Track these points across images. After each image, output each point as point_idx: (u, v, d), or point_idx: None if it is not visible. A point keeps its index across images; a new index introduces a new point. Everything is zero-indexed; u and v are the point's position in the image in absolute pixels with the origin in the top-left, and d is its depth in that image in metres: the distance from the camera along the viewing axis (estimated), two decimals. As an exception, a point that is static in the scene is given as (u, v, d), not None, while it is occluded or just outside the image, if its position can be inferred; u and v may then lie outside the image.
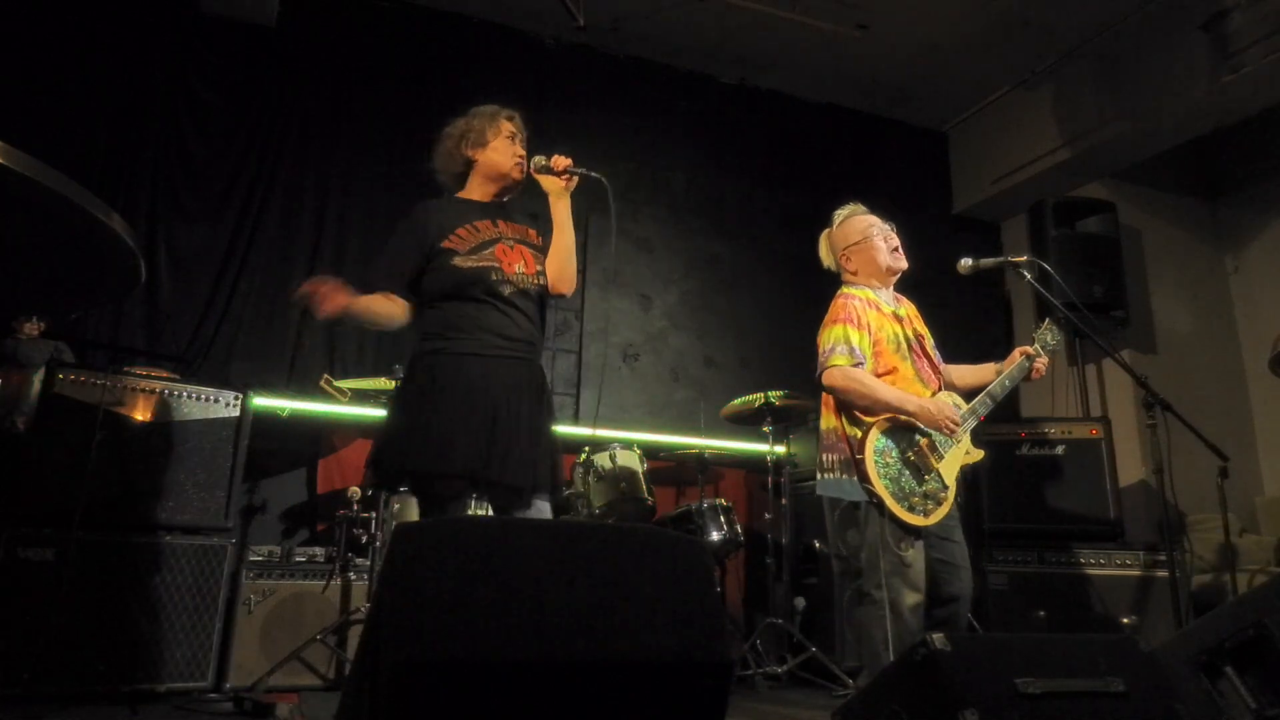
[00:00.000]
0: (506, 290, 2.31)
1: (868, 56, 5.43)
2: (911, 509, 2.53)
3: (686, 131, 5.52)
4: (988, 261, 3.05)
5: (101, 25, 4.29)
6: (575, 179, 2.41)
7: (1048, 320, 2.98)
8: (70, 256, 1.59)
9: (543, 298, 2.42)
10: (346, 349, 4.41)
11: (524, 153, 2.47)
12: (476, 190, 2.48)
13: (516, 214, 2.50)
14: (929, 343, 2.85)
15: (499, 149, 2.45)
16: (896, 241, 2.84)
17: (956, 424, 2.61)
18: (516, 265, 2.35)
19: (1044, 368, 2.87)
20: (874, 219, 2.86)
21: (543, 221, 2.50)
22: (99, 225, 1.42)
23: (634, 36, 5.31)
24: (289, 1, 4.50)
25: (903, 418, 2.59)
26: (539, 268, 2.40)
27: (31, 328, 3.57)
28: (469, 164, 2.48)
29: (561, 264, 2.41)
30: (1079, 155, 5.35)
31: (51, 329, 3.62)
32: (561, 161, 2.39)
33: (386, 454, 2.26)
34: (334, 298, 2.22)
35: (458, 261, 2.30)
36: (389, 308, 2.34)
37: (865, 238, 2.81)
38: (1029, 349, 2.88)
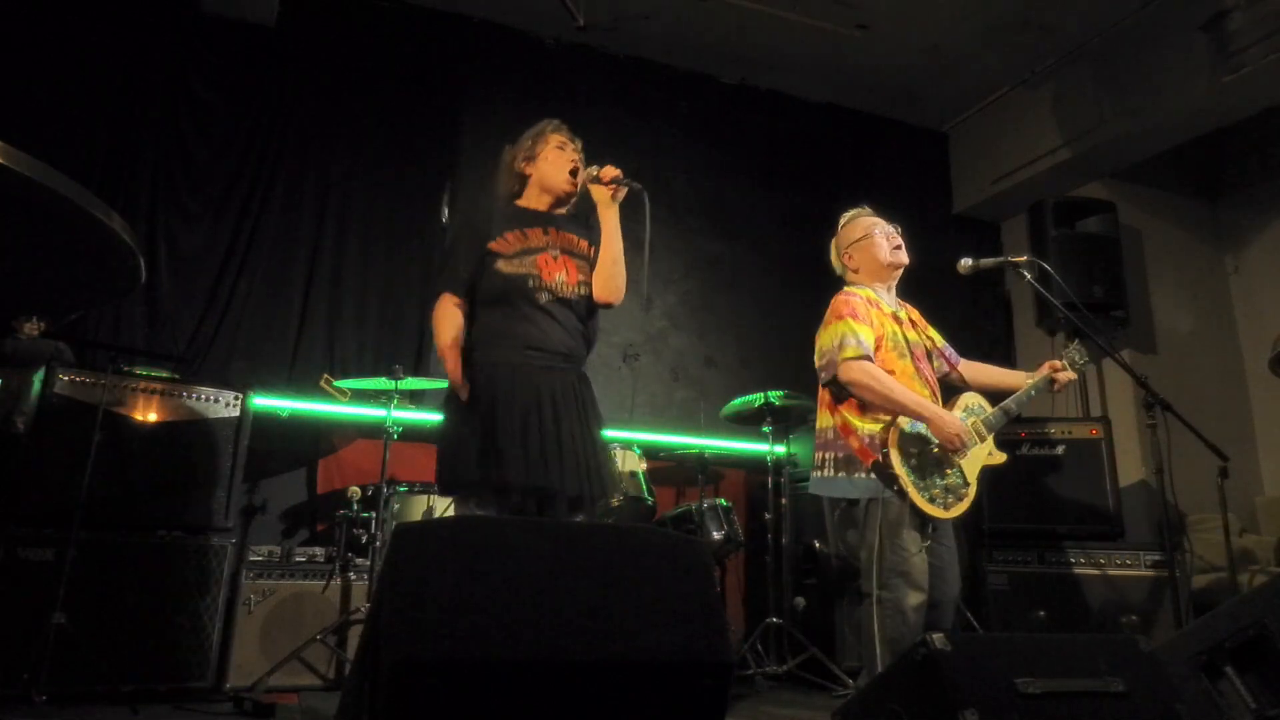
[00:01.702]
0: (543, 299, 2.33)
1: (868, 56, 5.42)
2: (932, 500, 2.54)
3: (686, 131, 5.52)
4: (988, 261, 3.06)
5: (101, 25, 4.29)
6: (623, 190, 2.42)
7: (1077, 340, 3.05)
8: (70, 256, 1.59)
9: (585, 309, 2.43)
10: (346, 349, 4.41)
11: (576, 160, 2.50)
12: (533, 200, 2.53)
13: (573, 225, 2.51)
14: (938, 344, 2.86)
15: (549, 159, 2.50)
16: (899, 240, 2.86)
17: (963, 444, 2.61)
18: (557, 274, 2.38)
19: (1066, 382, 2.90)
20: (877, 219, 2.89)
21: (596, 231, 2.50)
22: (99, 225, 1.41)
23: (634, 36, 5.31)
24: (289, 1, 4.50)
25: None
26: (582, 278, 2.42)
27: (31, 328, 3.56)
28: (523, 179, 2.54)
29: (608, 274, 2.42)
30: (1079, 155, 5.35)
31: (51, 329, 3.62)
32: (609, 172, 2.42)
33: (444, 465, 2.30)
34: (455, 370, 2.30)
35: (500, 265, 2.34)
36: (460, 321, 2.37)
37: (867, 235, 2.84)
38: (1057, 363, 2.91)
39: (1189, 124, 5.04)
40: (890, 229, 2.87)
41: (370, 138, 4.71)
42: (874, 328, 2.68)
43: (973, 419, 2.72)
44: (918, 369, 2.73)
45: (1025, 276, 3.05)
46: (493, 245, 2.35)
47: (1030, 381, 2.87)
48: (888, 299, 2.82)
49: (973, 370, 2.94)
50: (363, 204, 4.61)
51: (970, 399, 2.77)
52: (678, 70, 5.60)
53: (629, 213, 2.48)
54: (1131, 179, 5.65)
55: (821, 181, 5.68)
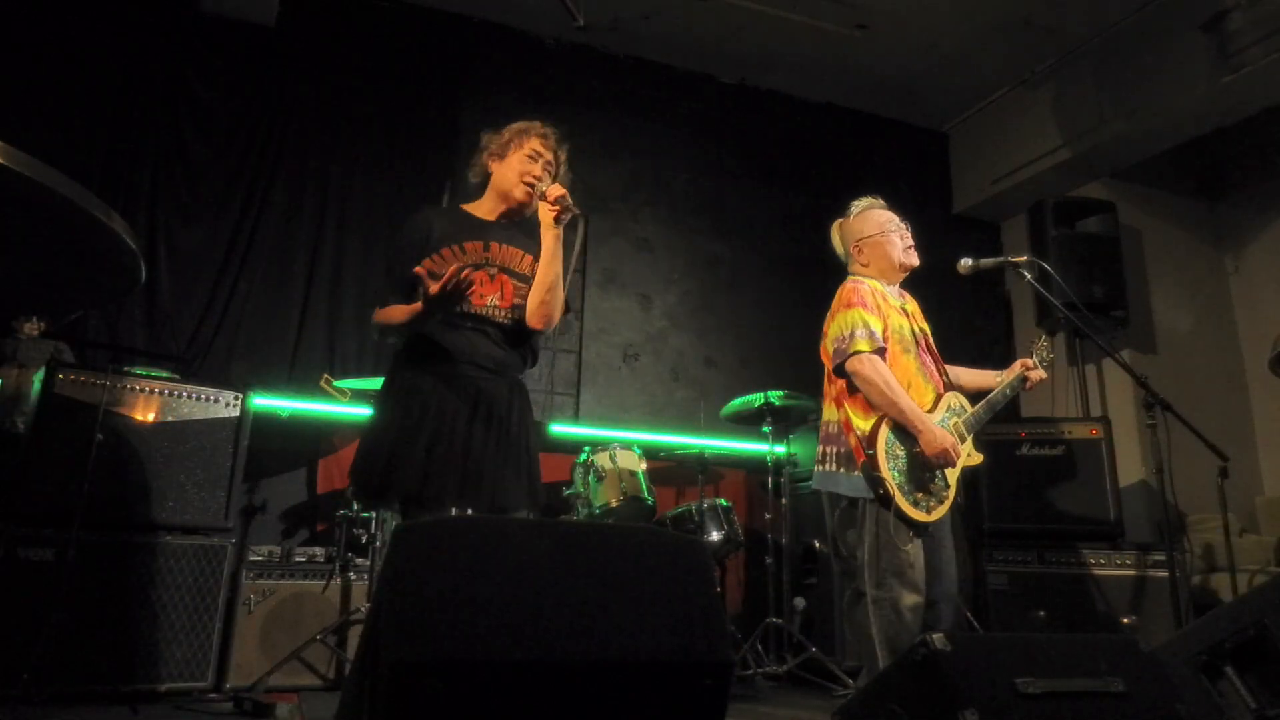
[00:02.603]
0: (468, 323, 2.24)
1: (868, 56, 5.43)
2: (916, 504, 2.53)
3: (686, 131, 5.52)
4: (988, 261, 3.05)
5: (101, 25, 4.29)
6: (567, 214, 2.26)
7: (1044, 336, 3.01)
8: (70, 256, 1.59)
9: (521, 329, 2.30)
10: (346, 349, 4.41)
11: (539, 175, 2.35)
12: (486, 205, 2.41)
13: (518, 238, 2.37)
14: (930, 340, 2.85)
15: (512, 165, 2.36)
16: (911, 240, 2.85)
17: (949, 464, 2.58)
18: (490, 297, 2.26)
19: (1038, 379, 2.90)
20: (892, 215, 2.87)
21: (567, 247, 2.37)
22: (99, 225, 1.42)
23: (634, 36, 5.31)
24: (289, 1, 4.50)
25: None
26: (517, 301, 2.29)
27: (31, 328, 3.57)
28: (487, 175, 2.42)
29: (539, 298, 2.26)
30: (1079, 155, 5.35)
31: (51, 329, 3.62)
32: (554, 191, 2.26)
33: (352, 470, 2.28)
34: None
35: (431, 283, 2.16)
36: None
37: (882, 232, 2.81)
38: (1028, 361, 2.90)
39: (1189, 124, 5.04)
40: (904, 227, 2.85)
41: (370, 138, 4.71)
42: (882, 318, 2.67)
43: (954, 419, 2.71)
44: (922, 363, 2.72)
45: (1025, 276, 3.05)
46: (427, 263, 2.20)
47: (1004, 381, 2.86)
48: (893, 292, 2.81)
49: (953, 373, 2.93)
50: (363, 204, 4.61)
51: (952, 399, 2.75)
52: (678, 70, 5.61)
53: (594, 206, 2.37)
54: (1131, 179, 5.65)
55: (821, 181, 5.68)
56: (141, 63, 4.34)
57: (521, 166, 2.35)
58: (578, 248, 2.27)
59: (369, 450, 2.23)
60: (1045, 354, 2.94)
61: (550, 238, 2.25)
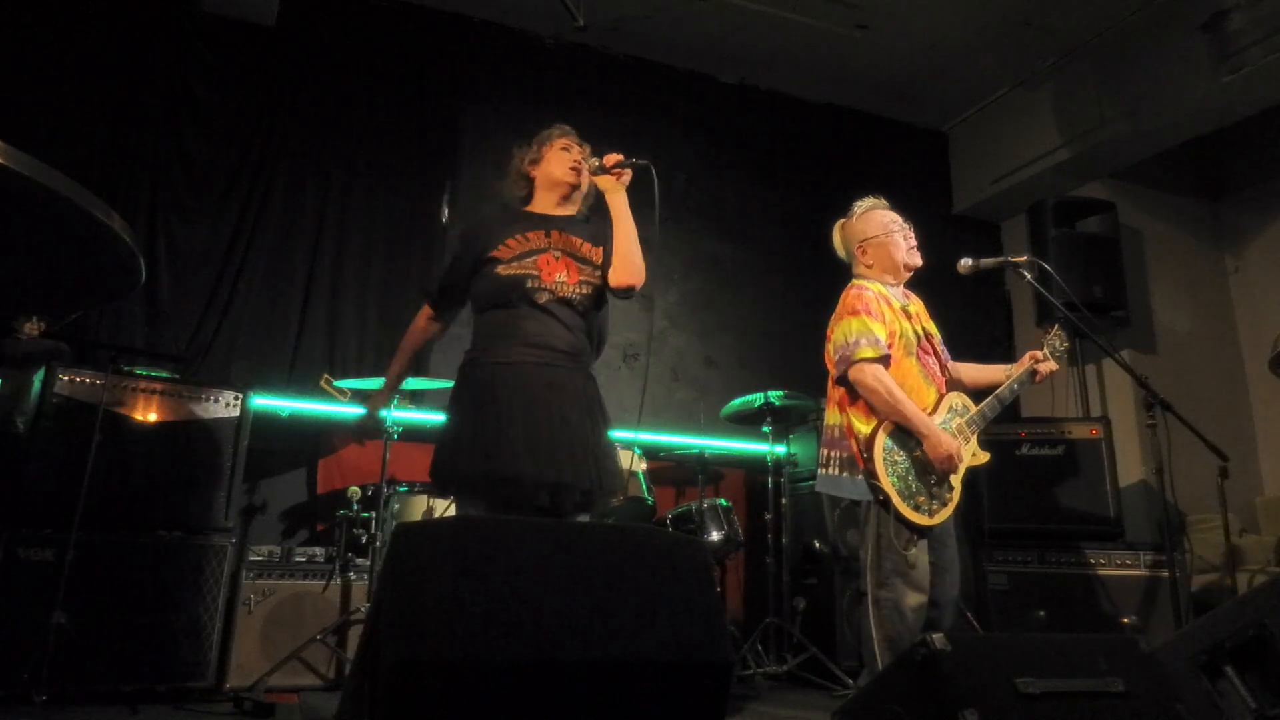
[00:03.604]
0: (543, 298, 2.33)
1: (868, 56, 5.42)
2: (917, 508, 2.53)
3: (686, 131, 5.52)
4: (988, 261, 3.05)
5: (101, 24, 4.29)
6: (627, 172, 2.44)
7: (1057, 326, 2.99)
8: (70, 256, 1.59)
9: (587, 310, 2.42)
10: (346, 349, 4.41)
11: (580, 159, 2.52)
12: (539, 203, 2.54)
13: (577, 228, 2.49)
14: (937, 341, 2.84)
15: (552, 159, 2.52)
16: (914, 241, 2.85)
17: (953, 469, 2.58)
18: (557, 274, 2.37)
19: (1048, 372, 2.87)
20: (895, 216, 2.87)
21: (604, 236, 2.49)
22: (99, 225, 1.41)
23: (634, 36, 5.31)
24: (289, 1, 4.50)
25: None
26: (583, 278, 2.41)
27: (31, 328, 3.57)
28: (530, 182, 2.56)
29: (624, 256, 2.41)
30: (1079, 155, 5.35)
31: (51, 329, 3.62)
32: (612, 158, 2.44)
33: (434, 463, 2.29)
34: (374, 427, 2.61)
35: (500, 269, 2.35)
36: (412, 342, 2.62)
37: (887, 233, 2.81)
38: (1038, 353, 2.88)
39: (1189, 124, 5.04)
40: (906, 228, 2.85)
41: (370, 138, 4.71)
42: (886, 324, 2.67)
43: (957, 420, 2.70)
44: (923, 365, 2.72)
45: (1025, 276, 3.05)
46: (494, 253, 2.37)
47: (1013, 375, 2.84)
48: (897, 294, 2.81)
49: (960, 370, 2.92)
50: (363, 204, 4.61)
51: (955, 399, 2.74)
52: (678, 70, 5.60)
53: (643, 197, 2.47)
54: (1131, 179, 5.65)
55: (821, 181, 5.67)
56: (141, 63, 4.34)
57: (560, 157, 2.53)
58: (657, 198, 2.39)
59: (463, 434, 2.26)
60: (1059, 344, 2.91)
61: (619, 200, 2.43)
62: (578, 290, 2.39)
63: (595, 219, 2.54)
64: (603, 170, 2.45)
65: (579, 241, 2.47)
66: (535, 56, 5.26)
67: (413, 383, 3.68)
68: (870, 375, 2.57)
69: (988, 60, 5.44)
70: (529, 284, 2.33)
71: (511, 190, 2.60)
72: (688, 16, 5.10)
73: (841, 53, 5.39)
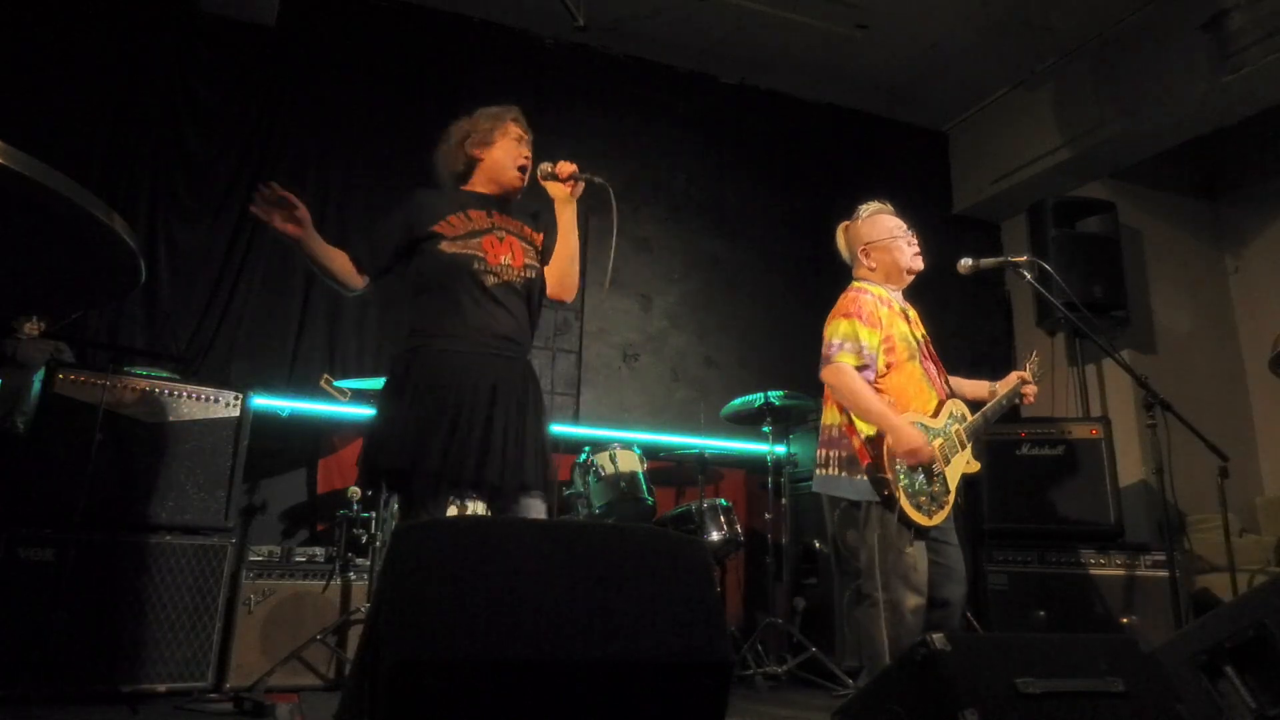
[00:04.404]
0: (489, 281, 2.27)
1: (868, 56, 5.42)
2: (919, 508, 2.54)
3: (686, 131, 5.52)
4: (988, 261, 3.06)
5: (100, 24, 4.28)
6: (580, 185, 2.38)
7: (1035, 354, 3.12)
8: (70, 257, 1.59)
9: (531, 294, 2.37)
10: (346, 349, 4.41)
11: (529, 156, 2.44)
12: (479, 186, 2.46)
13: (518, 213, 2.46)
14: (930, 347, 2.86)
15: (505, 149, 2.43)
16: (917, 246, 2.86)
17: (920, 462, 2.55)
18: (503, 256, 2.32)
19: (1033, 395, 2.96)
20: (899, 220, 2.88)
21: (544, 222, 2.49)
22: (99, 225, 1.42)
23: (634, 36, 5.31)
24: (289, 1, 4.50)
25: (910, 418, 2.59)
26: (527, 261, 2.36)
27: (31, 328, 3.57)
28: (472, 163, 2.46)
29: (563, 270, 2.39)
30: (1079, 155, 5.35)
31: (51, 329, 3.62)
32: (566, 168, 2.36)
33: (365, 453, 2.24)
34: (295, 221, 2.19)
35: (444, 246, 2.27)
36: (345, 266, 2.30)
37: (891, 238, 2.82)
38: (1024, 374, 2.96)
39: (1189, 124, 5.04)
40: (910, 233, 2.87)
41: (370, 138, 4.71)
42: (883, 328, 2.67)
43: (956, 426, 2.72)
44: (925, 370, 2.73)
45: (1025, 276, 3.06)
46: (435, 228, 2.27)
47: (1003, 391, 2.91)
48: (897, 297, 2.82)
49: (951, 382, 2.94)
50: (363, 204, 4.61)
51: (954, 406, 2.77)
52: (678, 70, 5.60)
53: (594, 205, 2.46)
54: (1131, 179, 5.65)
55: (821, 181, 5.68)
56: (141, 63, 4.33)
57: (512, 151, 2.43)
58: (615, 212, 2.34)
59: (385, 431, 2.21)
60: (1036, 370, 3.03)
61: (567, 211, 2.38)
62: (523, 274, 2.34)
63: (535, 211, 2.49)
64: (554, 178, 2.37)
65: (519, 224, 2.41)
66: (535, 56, 5.26)
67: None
68: (837, 376, 2.60)
69: (987, 60, 5.45)
70: (475, 265, 2.26)
71: (446, 164, 2.48)
72: (688, 17, 5.10)
73: (841, 53, 5.39)
